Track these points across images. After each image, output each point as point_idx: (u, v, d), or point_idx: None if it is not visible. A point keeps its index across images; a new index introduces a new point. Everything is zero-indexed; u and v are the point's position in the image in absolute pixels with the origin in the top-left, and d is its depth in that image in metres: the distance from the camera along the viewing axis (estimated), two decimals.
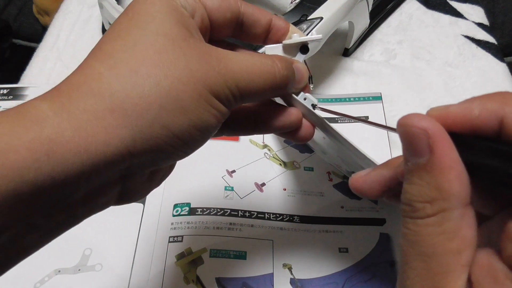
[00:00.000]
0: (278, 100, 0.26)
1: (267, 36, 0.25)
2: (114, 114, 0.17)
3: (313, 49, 0.41)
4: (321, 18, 0.42)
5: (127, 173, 0.19)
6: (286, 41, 0.25)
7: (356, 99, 0.49)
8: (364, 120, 0.23)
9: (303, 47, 0.25)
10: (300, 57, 0.25)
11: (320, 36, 0.25)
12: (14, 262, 0.18)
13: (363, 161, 0.27)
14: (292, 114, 0.25)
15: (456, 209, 0.15)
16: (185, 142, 0.19)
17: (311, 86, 0.26)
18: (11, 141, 0.15)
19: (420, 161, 0.16)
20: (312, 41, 0.25)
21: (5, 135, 0.15)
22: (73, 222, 0.19)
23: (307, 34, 0.28)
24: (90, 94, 0.17)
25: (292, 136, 0.25)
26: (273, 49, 0.25)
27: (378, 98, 0.48)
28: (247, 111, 0.25)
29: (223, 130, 0.23)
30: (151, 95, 0.18)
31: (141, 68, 0.18)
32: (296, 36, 0.25)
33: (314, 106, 0.24)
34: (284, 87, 0.23)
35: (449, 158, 0.15)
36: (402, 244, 0.16)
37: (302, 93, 0.25)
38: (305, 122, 0.25)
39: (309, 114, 0.25)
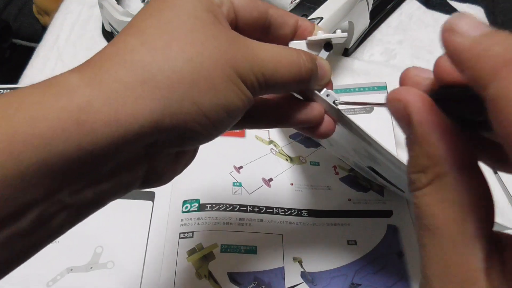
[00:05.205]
0: (298, 97, 0.26)
1: (293, 36, 0.25)
2: (145, 85, 0.17)
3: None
4: (321, 18, 0.42)
5: (153, 151, 0.19)
6: (311, 38, 0.25)
7: (361, 89, 0.49)
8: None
9: (327, 45, 0.25)
10: (323, 54, 0.25)
11: (345, 34, 0.25)
12: (40, 246, 0.18)
13: (388, 159, 0.28)
14: (315, 108, 0.25)
15: (450, 173, 0.14)
16: (212, 123, 0.20)
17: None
18: (40, 110, 0.15)
19: (409, 133, 0.15)
20: (336, 38, 0.25)
21: (35, 104, 0.15)
22: (99, 202, 0.19)
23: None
24: (122, 65, 0.17)
25: (313, 132, 0.25)
26: (297, 45, 0.25)
27: (383, 88, 0.49)
28: (270, 103, 0.25)
29: (245, 122, 0.23)
30: (183, 70, 0.18)
31: (174, 44, 0.18)
32: (320, 33, 0.25)
33: (335, 102, 0.25)
34: (308, 80, 0.23)
35: (428, 122, 0.15)
36: (415, 226, 0.16)
37: (325, 89, 0.25)
38: (326, 118, 0.25)
39: (331, 111, 0.25)
